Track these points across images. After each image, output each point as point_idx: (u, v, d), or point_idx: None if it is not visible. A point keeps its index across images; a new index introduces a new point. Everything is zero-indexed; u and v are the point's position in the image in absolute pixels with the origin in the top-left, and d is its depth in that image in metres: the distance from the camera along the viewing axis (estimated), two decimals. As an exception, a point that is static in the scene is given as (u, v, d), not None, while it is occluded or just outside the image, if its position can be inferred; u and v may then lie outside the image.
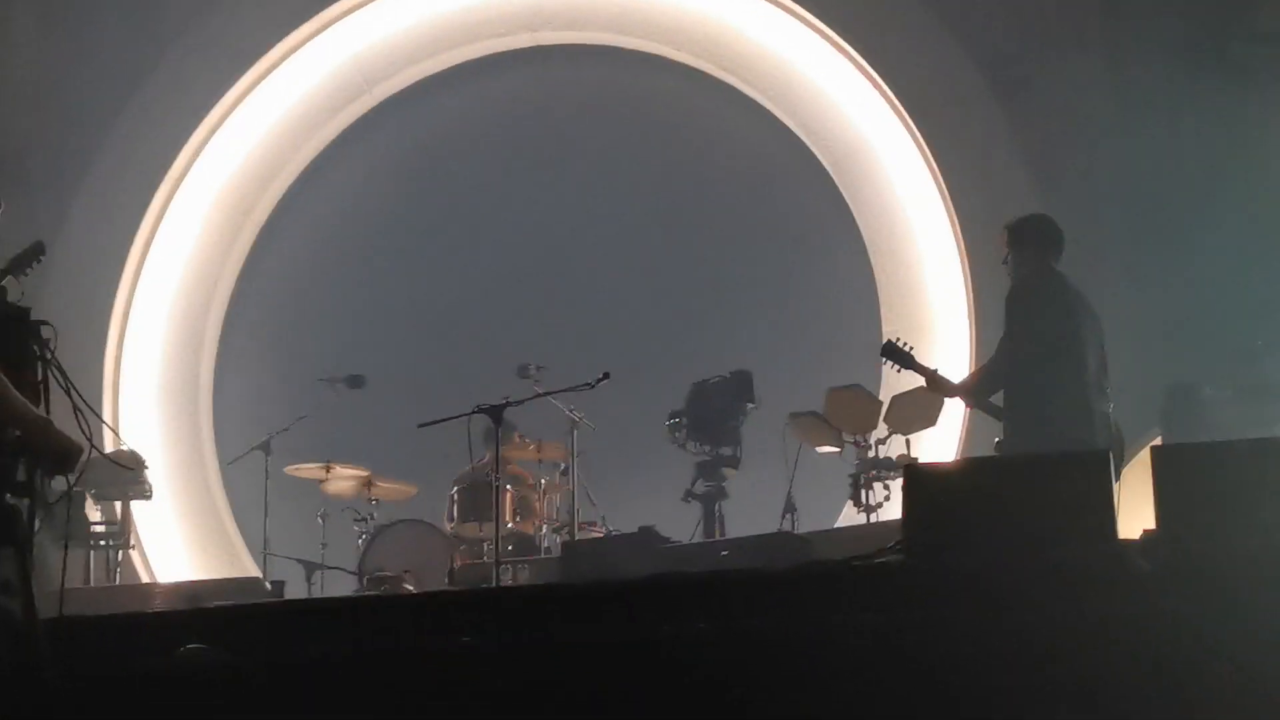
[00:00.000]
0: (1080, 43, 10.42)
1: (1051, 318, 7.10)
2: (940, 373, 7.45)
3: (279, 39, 11.52)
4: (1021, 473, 5.62)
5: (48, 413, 4.44)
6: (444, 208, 11.64)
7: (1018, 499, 5.25)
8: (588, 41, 11.60)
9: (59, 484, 4.47)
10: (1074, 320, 7.11)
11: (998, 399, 7.18)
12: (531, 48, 11.73)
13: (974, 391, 7.38)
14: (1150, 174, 9.90)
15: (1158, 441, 7.80)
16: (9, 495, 4.34)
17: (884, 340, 7.72)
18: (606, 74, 11.65)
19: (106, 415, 10.78)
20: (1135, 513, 5.46)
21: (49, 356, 4.49)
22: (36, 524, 4.34)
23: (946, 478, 5.84)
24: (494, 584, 8.56)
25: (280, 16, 11.52)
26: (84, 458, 4.38)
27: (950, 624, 4.76)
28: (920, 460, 8.79)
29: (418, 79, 11.86)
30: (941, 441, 9.75)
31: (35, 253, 7.73)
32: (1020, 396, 7.07)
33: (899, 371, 7.58)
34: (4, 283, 6.83)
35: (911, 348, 7.50)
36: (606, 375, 8.94)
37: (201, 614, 6.42)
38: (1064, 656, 4.60)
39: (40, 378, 4.48)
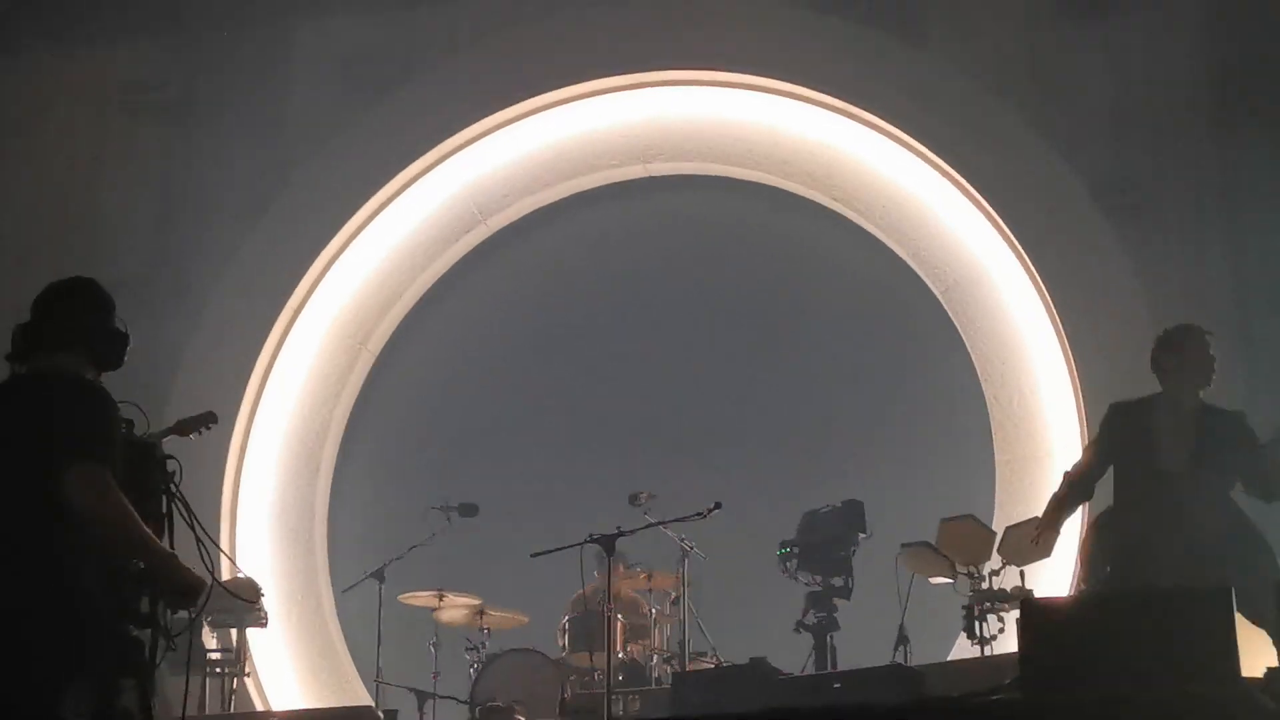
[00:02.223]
0: (1196, 168, 10.37)
1: None
2: None
3: (396, 172, 11.73)
4: (1142, 608, 5.52)
5: (171, 545, 4.53)
6: (556, 337, 11.74)
7: (1138, 635, 5.16)
8: (699, 172, 11.72)
9: (180, 614, 4.54)
10: None
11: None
12: (644, 178, 11.88)
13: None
14: (1268, 305, 9.81)
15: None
16: (132, 626, 4.42)
17: None
18: (717, 203, 11.73)
19: (223, 542, 10.90)
20: (1252, 651, 5.35)
21: (174, 490, 4.59)
22: (159, 656, 4.42)
23: (1065, 612, 5.77)
24: (605, 715, 8.52)
25: (398, 150, 11.74)
26: (206, 593, 4.45)
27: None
28: (1035, 592, 8.67)
29: (531, 210, 12.04)
30: (1056, 573, 9.61)
31: (205, 420, 8.04)
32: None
33: None
34: (165, 438, 7.13)
35: None
36: (718, 505, 8.96)
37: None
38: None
39: (165, 510, 4.58)
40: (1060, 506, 7.39)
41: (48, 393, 4.51)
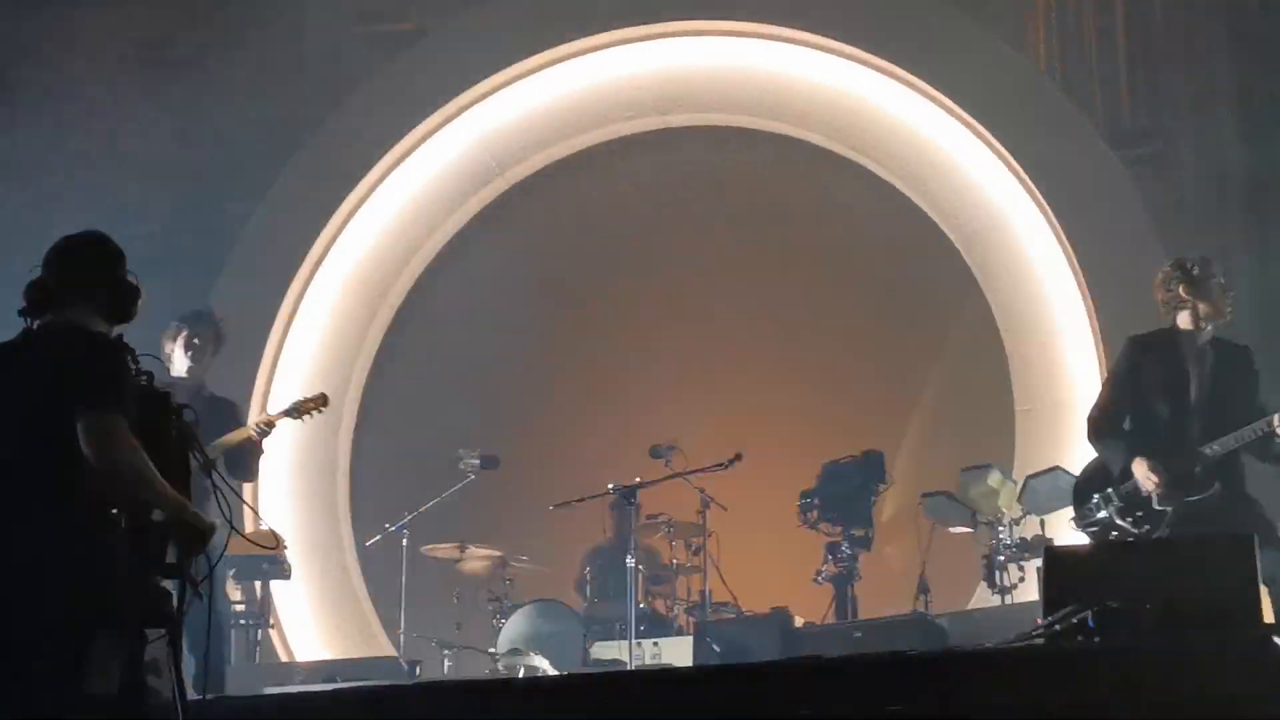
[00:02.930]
0: (1214, 116, 10.31)
1: None
2: None
3: (412, 126, 11.72)
4: (1164, 555, 5.54)
5: (189, 495, 4.55)
6: (576, 290, 11.74)
7: (1160, 582, 5.16)
8: (717, 123, 11.68)
9: (204, 566, 4.56)
10: None
11: None
12: (661, 129, 11.84)
13: None
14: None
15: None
16: (159, 577, 4.45)
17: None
18: (736, 154, 11.70)
19: (246, 496, 10.93)
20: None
21: (191, 441, 4.61)
22: (186, 605, 4.44)
23: (1087, 560, 5.77)
24: (628, 664, 8.56)
25: (413, 104, 11.73)
26: (221, 537, 4.48)
27: (1092, 711, 4.68)
28: (1055, 541, 8.67)
29: (549, 162, 12.02)
30: (1077, 522, 9.61)
31: (319, 402, 8.13)
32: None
33: None
34: (278, 422, 7.31)
35: None
36: (739, 456, 9.02)
37: (341, 695, 6.50)
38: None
39: (183, 461, 4.60)
40: (1117, 451, 7.24)
41: (60, 346, 4.54)
